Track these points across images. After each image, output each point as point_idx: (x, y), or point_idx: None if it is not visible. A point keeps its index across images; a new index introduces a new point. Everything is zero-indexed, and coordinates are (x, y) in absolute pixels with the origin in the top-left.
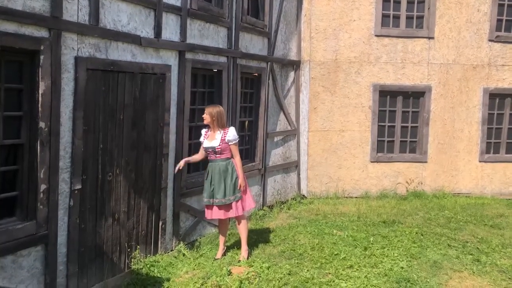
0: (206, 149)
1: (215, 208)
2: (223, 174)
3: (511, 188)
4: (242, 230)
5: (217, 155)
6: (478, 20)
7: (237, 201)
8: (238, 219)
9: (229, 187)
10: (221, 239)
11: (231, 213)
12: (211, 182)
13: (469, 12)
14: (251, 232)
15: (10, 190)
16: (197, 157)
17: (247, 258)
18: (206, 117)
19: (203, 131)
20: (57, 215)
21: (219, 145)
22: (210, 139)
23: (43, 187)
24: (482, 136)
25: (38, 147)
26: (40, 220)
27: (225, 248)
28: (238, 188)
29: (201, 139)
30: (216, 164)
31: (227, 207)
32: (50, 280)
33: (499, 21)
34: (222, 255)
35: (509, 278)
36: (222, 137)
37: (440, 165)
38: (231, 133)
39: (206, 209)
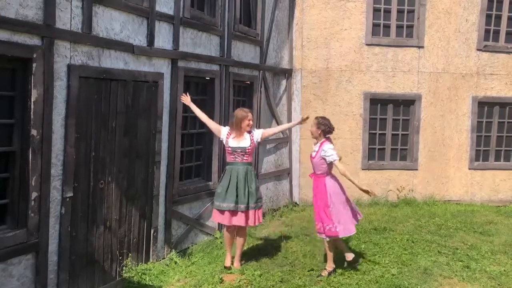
0: (233, 149)
1: (239, 214)
2: (247, 180)
3: (500, 195)
4: (242, 240)
5: (245, 157)
6: (466, 30)
7: (257, 210)
8: (243, 228)
9: (253, 194)
10: (230, 246)
11: (250, 221)
12: (236, 186)
13: (457, 22)
14: None
15: (0, 198)
16: (204, 116)
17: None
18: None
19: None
20: (48, 223)
21: (250, 145)
22: (238, 139)
23: (34, 194)
24: (472, 143)
25: (30, 155)
26: (31, 228)
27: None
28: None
29: (222, 129)
30: (239, 167)
31: (246, 214)
32: None
33: (487, 31)
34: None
35: (499, 285)
36: (251, 137)
37: (431, 172)
38: (257, 133)
39: (221, 214)
